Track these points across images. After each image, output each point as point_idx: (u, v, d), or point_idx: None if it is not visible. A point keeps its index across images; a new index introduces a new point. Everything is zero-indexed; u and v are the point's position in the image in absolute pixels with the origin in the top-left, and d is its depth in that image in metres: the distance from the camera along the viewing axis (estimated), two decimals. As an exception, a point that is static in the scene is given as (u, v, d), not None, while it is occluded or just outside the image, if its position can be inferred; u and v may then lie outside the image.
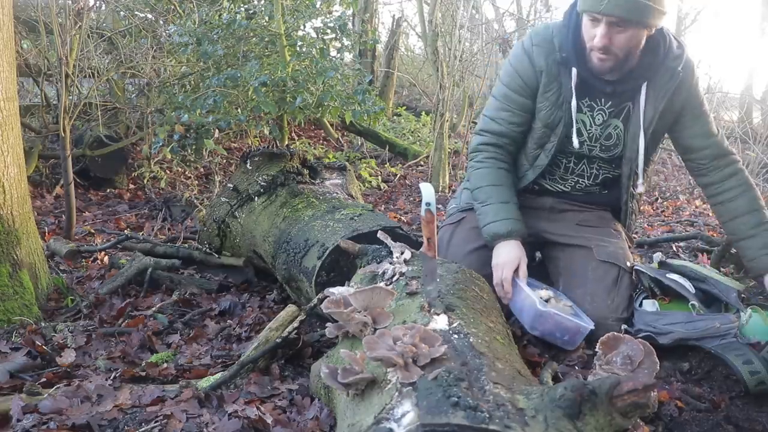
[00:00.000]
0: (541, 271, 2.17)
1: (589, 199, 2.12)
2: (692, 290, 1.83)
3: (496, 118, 2.03)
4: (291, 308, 1.77)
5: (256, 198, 2.51)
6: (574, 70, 1.86)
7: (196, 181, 4.60)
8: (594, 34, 1.76)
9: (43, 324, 1.96)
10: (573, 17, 1.87)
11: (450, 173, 5.03)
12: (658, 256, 1.97)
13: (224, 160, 4.99)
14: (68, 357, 1.75)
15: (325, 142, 6.55)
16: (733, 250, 2.59)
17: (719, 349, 1.65)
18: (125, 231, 3.45)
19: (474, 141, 2.09)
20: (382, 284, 1.48)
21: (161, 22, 4.75)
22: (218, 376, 1.59)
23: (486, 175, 2.01)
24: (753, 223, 1.89)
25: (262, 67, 3.75)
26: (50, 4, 3.32)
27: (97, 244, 3.02)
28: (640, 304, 1.88)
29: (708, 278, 1.86)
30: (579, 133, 1.95)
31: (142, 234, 3.31)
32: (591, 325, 1.78)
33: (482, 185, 2.00)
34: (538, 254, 2.21)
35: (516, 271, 1.87)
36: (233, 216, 2.55)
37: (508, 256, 1.89)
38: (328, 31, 3.92)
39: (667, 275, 1.88)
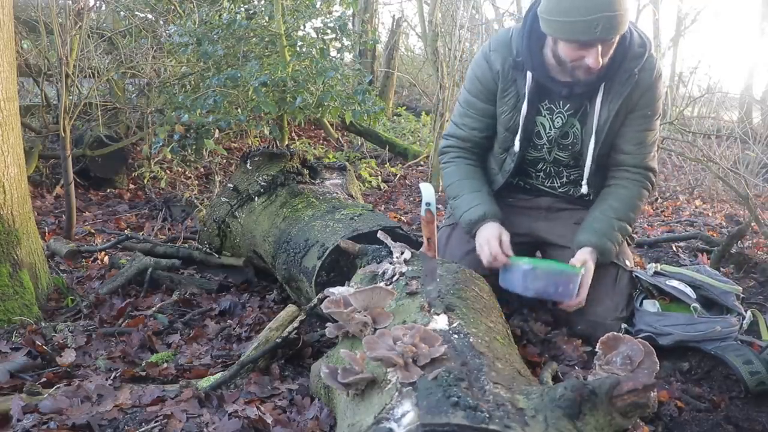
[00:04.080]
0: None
1: (581, 203, 2.11)
2: (692, 295, 1.83)
3: (459, 124, 2.08)
4: (291, 308, 1.77)
5: (256, 198, 2.51)
6: (529, 74, 1.85)
7: (196, 181, 4.60)
8: (580, 56, 1.71)
9: (43, 324, 1.96)
10: (528, 22, 1.84)
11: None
12: (651, 267, 1.97)
13: (224, 160, 4.99)
14: (68, 357, 1.75)
15: (325, 142, 6.55)
16: (733, 250, 2.60)
17: (719, 350, 1.65)
18: (125, 231, 3.45)
19: (441, 144, 2.16)
20: (382, 284, 1.48)
21: (161, 22, 4.76)
22: (218, 376, 1.59)
23: (454, 171, 2.07)
24: (601, 208, 1.93)
25: (262, 67, 3.75)
26: (50, 4, 3.32)
27: (97, 244, 3.02)
28: (641, 304, 1.88)
29: (703, 284, 1.86)
30: (539, 136, 1.96)
31: (142, 234, 3.31)
32: (580, 270, 1.76)
33: (452, 181, 2.06)
34: (538, 254, 2.21)
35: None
36: (233, 216, 2.55)
37: (487, 232, 1.89)
38: (328, 31, 3.92)
39: (667, 282, 1.88)
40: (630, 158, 1.94)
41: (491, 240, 1.86)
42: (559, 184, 2.09)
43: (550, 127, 1.95)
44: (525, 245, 2.11)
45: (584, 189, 1.98)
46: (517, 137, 1.94)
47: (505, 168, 2.05)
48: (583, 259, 1.83)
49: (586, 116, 1.90)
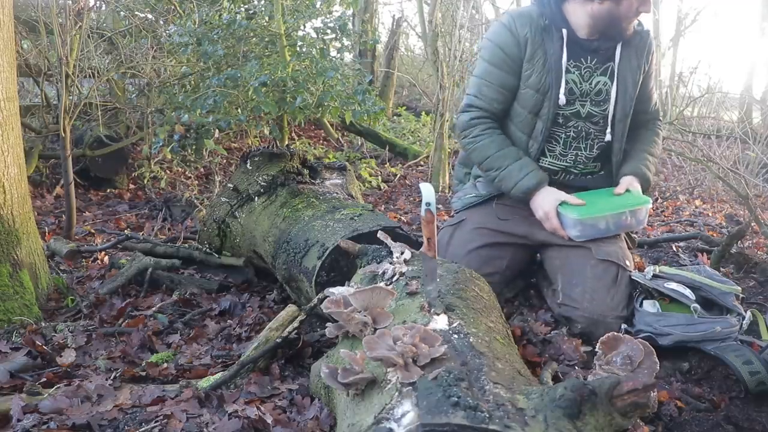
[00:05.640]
0: (542, 273, 2.17)
1: (588, 183, 2.12)
2: (691, 296, 1.83)
3: (478, 95, 2.09)
4: (291, 308, 1.77)
5: (256, 198, 2.51)
6: (564, 31, 1.98)
7: (196, 181, 4.60)
8: (637, 10, 1.94)
9: (43, 324, 1.96)
10: None
11: (450, 173, 5.03)
12: (650, 269, 1.97)
13: (224, 160, 4.99)
14: (68, 357, 1.75)
15: (325, 142, 6.55)
16: (733, 250, 2.60)
17: (719, 350, 1.65)
18: (125, 231, 3.45)
19: (462, 119, 2.13)
20: (382, 284, 1.48)
21: (161, 22, 4.76)
22: (218, 376, 1.59)
23: (490, 144, 2.06)
24: (630, 151, 2.17)
25: (262, 67, 3.75)
26: (50, 4, 3.32)
27: (97, 244, 3.02)
28: (641, 305, 1.88)
29: (702, 285, 1.86)
30: (571, 92, 2.03)
31: (142, 234, 3.31)
32: (647, 201, 2.02)
33: (491, 154, 2.06)
34: (538, 256, 2.21)
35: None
36: (233, 216, 2.55)
37: (547, 199, 2.00)
38: (328, 31, 3.91)
39: (665, 285, 1.87)
40: (646, 116, 2.20)
41: (551, 215, 1.99)
42: (584, 146, 2.10)
43: (579, 81, 2.03)
44: (523, 247, 2.11)
45: (608, 137, 2.09)
46: (562, 88, 1.99)
47: (536, 131, 2.07)
48: (628, 182, 2.05)
49: (614, 74, 2.04)
